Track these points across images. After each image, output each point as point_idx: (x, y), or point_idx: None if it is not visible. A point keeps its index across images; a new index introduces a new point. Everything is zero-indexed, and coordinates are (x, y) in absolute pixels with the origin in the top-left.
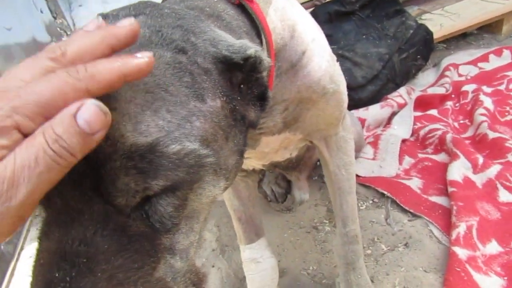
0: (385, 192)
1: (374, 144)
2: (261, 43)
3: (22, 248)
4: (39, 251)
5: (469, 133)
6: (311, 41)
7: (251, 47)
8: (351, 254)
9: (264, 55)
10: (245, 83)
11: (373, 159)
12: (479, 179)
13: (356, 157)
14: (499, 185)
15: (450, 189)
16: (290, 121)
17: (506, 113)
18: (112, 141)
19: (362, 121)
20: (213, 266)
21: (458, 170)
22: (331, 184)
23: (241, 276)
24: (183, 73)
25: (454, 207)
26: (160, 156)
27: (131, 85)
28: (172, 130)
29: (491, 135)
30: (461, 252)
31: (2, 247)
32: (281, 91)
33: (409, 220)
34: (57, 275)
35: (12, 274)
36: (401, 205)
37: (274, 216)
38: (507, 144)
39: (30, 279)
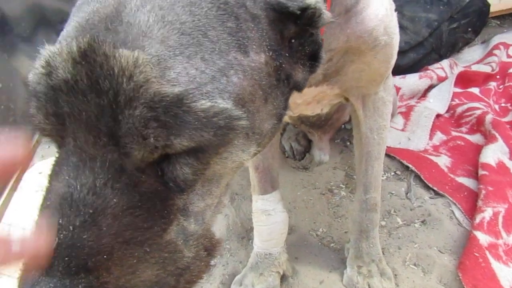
0: (410, 165)
1: (406, 115)
2: None
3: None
4: (47, 191)
5: (509, 117)
6: None
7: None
8: (367, 222)
9: (324, 7)
10: (297, 38)
11: (402, 130)
12: None
13: None
14: None
15: (481, 172)
16: (331, 74)
17: None
18: (135, 83)
19: (397, 90)
20: (220, 212)
21: (494, 153)
22: (359, 147)
23: (247, 226)
24: (228, 17)
25: (483, 191)
26: (187, 112)
27: (165, 22)
28: (204, 83)
29: None
30: (483, 238)
31: None
32: (329, 39)
33: (430, 198)
34: (60, 221)
35: (14, 189)
36: (425, 181)
37: (289, 172)
38: None
39: (35, 219)
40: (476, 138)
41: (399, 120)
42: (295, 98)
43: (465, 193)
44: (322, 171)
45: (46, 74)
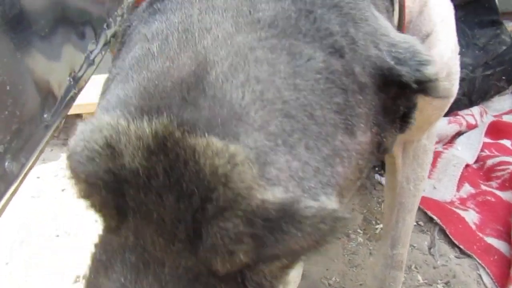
0: (434, 217)
1: (433, 161)
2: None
3: (30, 168)
4: (91, 286)
5: None
6: (440, 21)
7: (429, 60)
8: (390, 280)
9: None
10: (395, 100)
11: (428, 177)
12: None
13: None
14: None
15: None
16: None
17: None
18: (231, 190)
19: None
20: None
21: None
22: (391, 196)
23: None
24: (336, 90)
25: None
26: (290, 222)
27: (264, 101)
28: (307, 178)
29: None
30: None
31: (6, 164)
32: None
33: (456, 257)
34: None
35: (12, 194)
36: (450, 236)
37: None
38: None
39: None
40: (508, 196)
41: None
42: None
43: (495, 257)
44: None
45: (106, 156)
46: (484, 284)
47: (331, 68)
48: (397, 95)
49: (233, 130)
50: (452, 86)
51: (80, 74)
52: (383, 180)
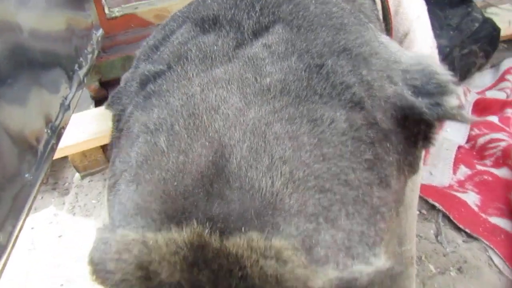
0: (436, 204)
1: None
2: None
3: (17, 237)
4: None
5: None
6: (416, 18)
7: (446, 80)
8: (403, 277)
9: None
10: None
11: (423, 164)
12: None
13: None
14: None
15: None
16: None
17: None
18: (290, 265)
19: None
20: None
21: None
22: None
23: None
24: (364, 147)
25: None
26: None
27: (296, 182)
28: (354, 246)
29: None
30: None
31: None
32: None
33: (464, 241)
34: None
35: (4, 265)
36: (455, 221)
37: None
38: None
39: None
40: (503, 173)
41: None
42: None
43: (502, 236)
44: None
45: (141, 279)
46: (496, 265)
47: (355, 126)
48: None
49: (271, 221)
50: None
51: (57, 123)
52: None
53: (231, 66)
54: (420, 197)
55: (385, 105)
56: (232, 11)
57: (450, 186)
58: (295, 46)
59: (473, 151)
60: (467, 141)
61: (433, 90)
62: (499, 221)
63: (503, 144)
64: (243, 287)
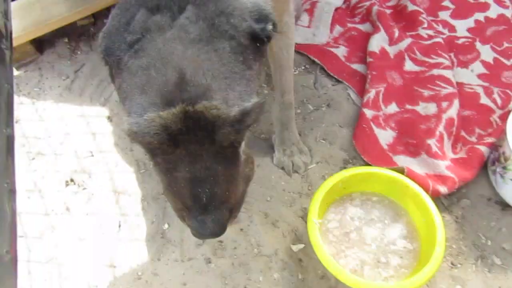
0: (316, 60)
1: (310, 11)
2: None
3: None
4: (172, 180)
5: (393, 2)
6: None
7: (270, 19)
8: (285, 118)
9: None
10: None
11: (308, 26)
12: (392, 51)
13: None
14: (406, 56)
15: (368, 59)
16: None
17: None
18: (221, 119)
19: None
20: None
21: (377, 42)
22: (273, 62)
23: None
24: (238, 55)
25: (369, 76)
26: (246, 115)
27: (216, 77)
28: (243, 96)
29: (410, 7)
30: (368, 113)
31: None
32: None
33: (332, 85)
34: (199, 190)
35: None
36: (328, 71)
37: None
38: (420, 18)
39: (170, 203)
40: (366, 27)
41: (305, 18)
42: None
43: (358, 78)
44: None
45: (162, 126)
46: (352, 99)
47: (233, 48)
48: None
49: (210, 95)
50: None
51: None
52: None
53: (173, 31)
54: (305, 55)
55: (244, 33)
56: (165, 1)
57: (328, 44)
58: (199, 16)
59: (347, 10)
60: (344, 2)
61: (262, 20)
62: (358, 66)
63: (367, 4)
64: (203, 124)
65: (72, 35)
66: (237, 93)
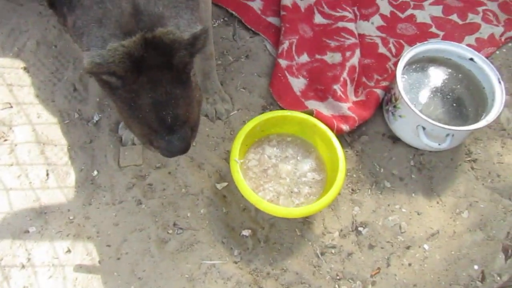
0: (234, 12)
1: None
2: None
3: None
4: (136, 108)
5: None
6: None
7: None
8: (207, 68)
9: None
10: None
11: None
12: (303, 4)
13: None
14: (315, 10)
15: (282, 13)
16: None
17: None
18: (178, 42)
19: None
20: None
21: None
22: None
23: None
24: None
25: (283, 28)
26: (197, 39)
27: (168, 6)
28: (191, 24)
29: None
30: (283, 63)
31: None
32: None
33: (250, 37)
34: (163, 113)
35: None
36: (246, 24)
37: None
38: None
39: (134, 132)
40: None
41: None
42: None
43: (273, 30)
44: None
45: (126, 54)
46: (268, 50)
47: None
48: None
49: (164, 22)
50: None
51: None
52: None
53: None
54: (224, 8)
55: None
56: None
57: None
58: None
59: None
60: None
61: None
62: (273, 20)
63: None
64: (161, 50)
65: None
66: (185, 20)
